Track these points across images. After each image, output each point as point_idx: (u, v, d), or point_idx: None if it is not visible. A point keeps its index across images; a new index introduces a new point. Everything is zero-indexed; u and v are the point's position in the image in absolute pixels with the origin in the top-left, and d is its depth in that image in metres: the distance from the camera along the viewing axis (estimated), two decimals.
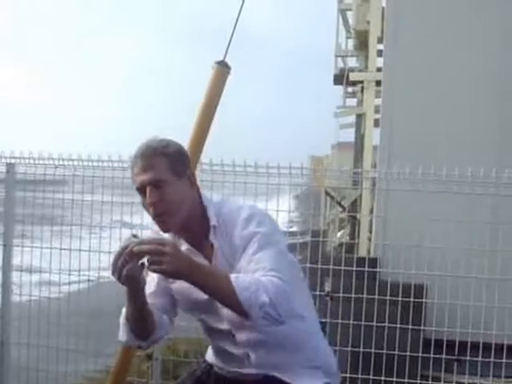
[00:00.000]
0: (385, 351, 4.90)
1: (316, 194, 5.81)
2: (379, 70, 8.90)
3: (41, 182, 5.21)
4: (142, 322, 2.40)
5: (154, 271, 2.16)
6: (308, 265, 4.79)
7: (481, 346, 4.89)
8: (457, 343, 4.90)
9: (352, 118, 13.07)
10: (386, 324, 4.90)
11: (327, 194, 9.60)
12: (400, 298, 4.93)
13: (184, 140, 3.14)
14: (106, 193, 5.11)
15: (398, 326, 4.89)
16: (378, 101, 9.24)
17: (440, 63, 6.64)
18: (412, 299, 4.94)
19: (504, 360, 4.85)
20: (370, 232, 7.36)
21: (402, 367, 4.94)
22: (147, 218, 2.53)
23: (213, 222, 2.39)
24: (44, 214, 5.49)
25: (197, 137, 2.86)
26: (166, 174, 2.34)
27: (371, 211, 7.05)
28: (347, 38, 13.63)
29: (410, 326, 4.95)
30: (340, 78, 12.36)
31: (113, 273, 2.17)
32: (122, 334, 2.47)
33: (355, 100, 14.00)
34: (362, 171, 5.54)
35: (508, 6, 6.54)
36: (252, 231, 2.33)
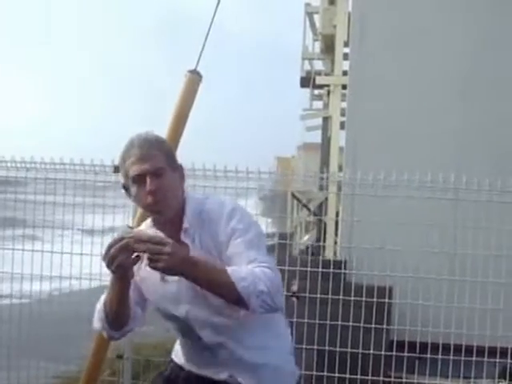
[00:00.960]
0: (349, 350, 5.10)
1: (282, 197, 5.99)
2: (345, 73, 9.08)
3: (2, 183, 5.34)
4: (119, 312, 2.49)
5: (153, 268, 2.26)
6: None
7: (440, 345, 5.11)
8: (418, 343, 5.13)
9: (318, 121, 13.25)
10: (351, 323, 5.11)
11: (294, 196, 9.77)
12: (364, 299, 5.14)
13: None
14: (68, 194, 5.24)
15: (362, 325, 5.11)
16: (344, 104, 9.42)
17: (404, 68, 6.84)
18: (375, 299, 5.16)
19: (462, 358, 5.07)
20: (336, 235, 7.55)
21: (366, 366, 5.15)
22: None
23: (185, 224, 2.48)
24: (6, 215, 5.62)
25: (171, 140, 3.00)
26: (165, 164, 2.45)
27: (337, 214, 7.24)
28: (314, 40, 13.78)
29: (373, 326, 5.16)
30: (307, 81, 12.52)
31: (104, 259, 2.28)
32: (97, 321, 2.55)
33: (321, 102, 14.17)
34: (327, 176, 5.71)
35: (470, 9, 6.79)
36: (236, 226, 2.45)
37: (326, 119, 12.17)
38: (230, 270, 2.34)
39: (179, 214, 2.49)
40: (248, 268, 2.37)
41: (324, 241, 7.00)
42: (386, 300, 5.26)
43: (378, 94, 6.84)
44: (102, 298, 2.53)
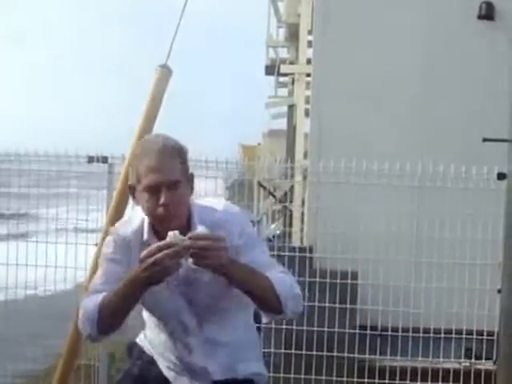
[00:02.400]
0: (315, 328, 5.37)
1: (249, 186, 6.17)
2: (310, 61, 9.25)
3: None
4: (118, 318, 2.42)
5: (201, 265, 2.26)
6: None
7: (400, 328, 5.36)
8: (379, 321, 5.39)
9: (283, 108, 13.42)
10: (316, 304, 5.37)
11: (260, 185, 9.91)
12: (328, 280, 5.40)
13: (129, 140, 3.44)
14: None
15: (327, 305, 5.37)
16: (309, 92, 9.59)
17: (367, 57, 7.03)
18: (338, 281, 5.42)
19: (420, 334, 5.32)
20: (302, 222, 7.74)
21: (331, 345, 5.42)
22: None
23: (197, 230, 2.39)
24: None
25: (141, 137, 3.13)
26: (181, 176, 2.40)
27: (303, 202, 7.43)
28: (278, 27, 13.92)
29: (337, 306, 5.42)
30: (271, 69, 12.66)
31: (147, 260, 2.22)
32: (83, 322, 2.45)
33: (286, 90, 14.33)
34: (291, 166, 5.89)
35: (429, 5, 7.00)
36: (251, 235, 2.50)
37: (291, 107, 12.34)
38: (268, 273, 2.38)
39: (184, 221, 2.45)
40: (281, 273, 2.44)
41: (291, 228, 7.17)
42: (349, 281, 5.51)
43: (341, 83, 7.01)
44: (97, 298, 2.42)
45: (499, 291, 2.73)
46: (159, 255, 2.21)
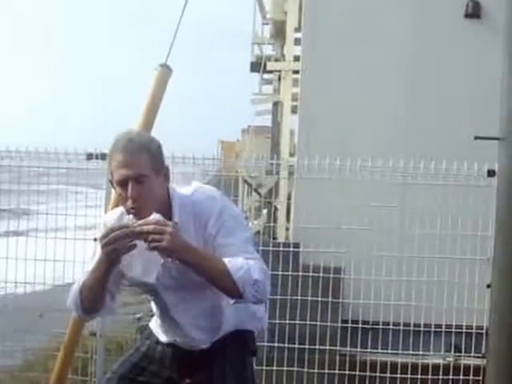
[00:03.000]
0: (298, 322, 5.47)
1: (229, 181, 6.24)
2: (296, 58, 9.32)
3: None
4: (95, 297, 2.68)
5: (155, 248, 2.45)
6: None
7: (381, 321, 5.46)
8: (360, 315, 5.49)
9: (267, 105, 13.44)
10: (299, 297, 5.47)
11: (245, 181, 9.98)
12: (311, 274, 5.49)
13: None
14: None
15: (309, 298, 5.47)
16: (295, 89, 9.65)
17: (356, 55, 7.14)
18: (321, 274, 5.51)
19: (401, 327, 5.43)
20: (287, 220, 7.82)
21: (313, 339, 5.52)
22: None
23: (175, 218, 2.62)
24: None
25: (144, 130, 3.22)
26: (148, 169, 2.57)
27: (288, 198, 7.51)
28: (263, 23, 13.93)
29: (319, 299, 5.52)
30: (257, 66, 12.69)
31: (102, 240, 2.47)
32: (70, 303, 2.75)
33: (271, 87, 14.35)
34: (276, 163, 5.97)
35: (417, 3, 7.11)
36: (227, 221, 2.64)
37: (276, 104, 12.38)
38: (226, 259, 2.54)
39: (166, 209, 2.64)
40: (242, 259, 2.56)
41: (275, 224, 7.25)
42: (331, 275, 5.60)
43: (329, 81, 7.11)
44: (80, 282, 2.70)
45: (488, 286, 2.81)
46: (112, 235, 2.45)
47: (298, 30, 9.79)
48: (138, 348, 3.08)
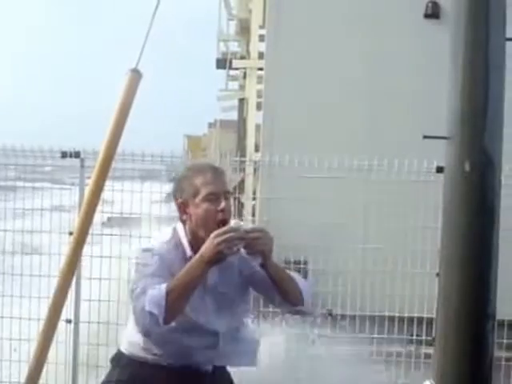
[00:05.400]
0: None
1: None
2: (261, 56, 9.48)
3: None
4: (186, 298, 2.74)
5: (256, 252, 2.74)
6: None
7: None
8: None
9: (233, 101, 13.61)
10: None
11: None
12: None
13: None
14: None
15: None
16: (260, 86, 9.81)
17: (318, 52, 7.31)
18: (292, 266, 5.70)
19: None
20: (253, 215, 7.99)
21: None
22: None
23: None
24: None
25: (113, 137, 3.32)
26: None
27: (254, 193, 7.68)
28: (229, 20, 14.06)
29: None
30: (223, 62, 12.83)
31: (217, 238, 2.66)
32: (153, 306, 2.67)
33: (237, 83, 14.50)
34: (240, 160, 6.15)
35: (376, 12, 7.33)
36: None
37: (241, 100, 12.55)
38: (291, 272, 2.98)
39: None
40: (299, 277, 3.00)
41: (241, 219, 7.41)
42: (302, 265, 5.78)
43: (293, 79, 7.27)
44: (160, 288, 2.69)
45: (437, 275, 3.04)
46: (229, 235, 2.68)
47: (262, 27, 9.96)
48: (118, 380, 3.00)
